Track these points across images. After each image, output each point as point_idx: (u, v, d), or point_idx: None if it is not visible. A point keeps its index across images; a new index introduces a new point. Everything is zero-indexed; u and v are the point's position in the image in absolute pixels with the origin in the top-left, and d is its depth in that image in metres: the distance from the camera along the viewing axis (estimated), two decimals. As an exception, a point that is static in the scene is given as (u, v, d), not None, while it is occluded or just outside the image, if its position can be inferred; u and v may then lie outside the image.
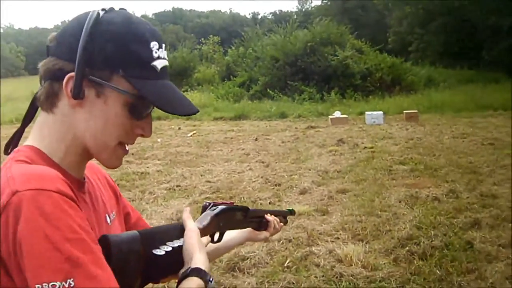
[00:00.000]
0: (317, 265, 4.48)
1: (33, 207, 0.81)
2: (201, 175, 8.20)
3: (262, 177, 7.80)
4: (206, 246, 1.18)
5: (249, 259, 4.59)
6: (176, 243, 1.07)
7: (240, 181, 7.70)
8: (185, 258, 1.06)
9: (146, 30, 1.00)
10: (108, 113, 0.99)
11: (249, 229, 1.55)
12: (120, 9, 1.03)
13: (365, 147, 9.97)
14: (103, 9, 0.99)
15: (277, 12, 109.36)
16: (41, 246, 0.80)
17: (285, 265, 4.52)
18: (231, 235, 1.53)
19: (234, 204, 1.39)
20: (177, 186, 7.49)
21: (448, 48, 30.28)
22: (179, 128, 14.49)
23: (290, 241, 5.04)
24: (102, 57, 0.95)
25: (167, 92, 1.02)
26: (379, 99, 17.57)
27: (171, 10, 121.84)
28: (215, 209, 1.28)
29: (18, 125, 1.10)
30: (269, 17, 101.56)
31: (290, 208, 1.80)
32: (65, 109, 0.99)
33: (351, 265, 4.41)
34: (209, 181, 7.73)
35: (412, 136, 11.21)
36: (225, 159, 9.59)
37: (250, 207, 1.46)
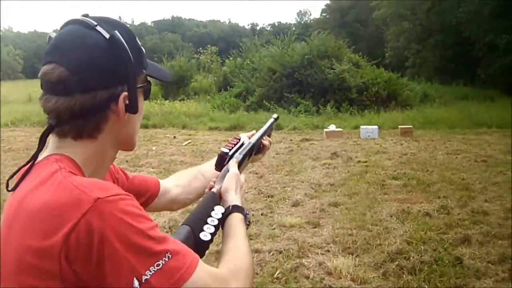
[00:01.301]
0: (307, 277, 4.49)
1: (118, 210, 0.91)
2: (195, 184, 8.18)
3: (255, 188, 7.82)
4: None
5: (239, 269, 4.59)
6: (216, 220, 1.22)
7: (233, 191, 7.68)
8: (223, 196, 1.32)
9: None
10: (141, 108, 1.12)
11: None
12: (90, 16, 1.08)
13: (359, 161, 10.00)
14: (96, 24, 1.04)
15: (276, 24, 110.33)
16: (137, 239, 0.91)
17: (275, 276, 4.53)
18: None
19: (241, 141, 1.56)
20: (170, 194, 7.47)
21: (444, 65, 30.56)
22: (174, 137, 14.50)
23: (280, 252, 5.06)
24: (134, 67, 1.05)
25: (159, 67, 1.20)
26: (375, 113, 17.61)
27: (170, 18, 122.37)
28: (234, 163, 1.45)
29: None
30: (268, 29, 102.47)
31: (275, 116, 1.87)
32: (111, 128, 1.07)
33: (340, 278, 4.43)
34: (202, 191, 7.71)
35: (406, 151, 11.25)
36: (219, 169, 9.57)
37: (252, 141, 1.62)
